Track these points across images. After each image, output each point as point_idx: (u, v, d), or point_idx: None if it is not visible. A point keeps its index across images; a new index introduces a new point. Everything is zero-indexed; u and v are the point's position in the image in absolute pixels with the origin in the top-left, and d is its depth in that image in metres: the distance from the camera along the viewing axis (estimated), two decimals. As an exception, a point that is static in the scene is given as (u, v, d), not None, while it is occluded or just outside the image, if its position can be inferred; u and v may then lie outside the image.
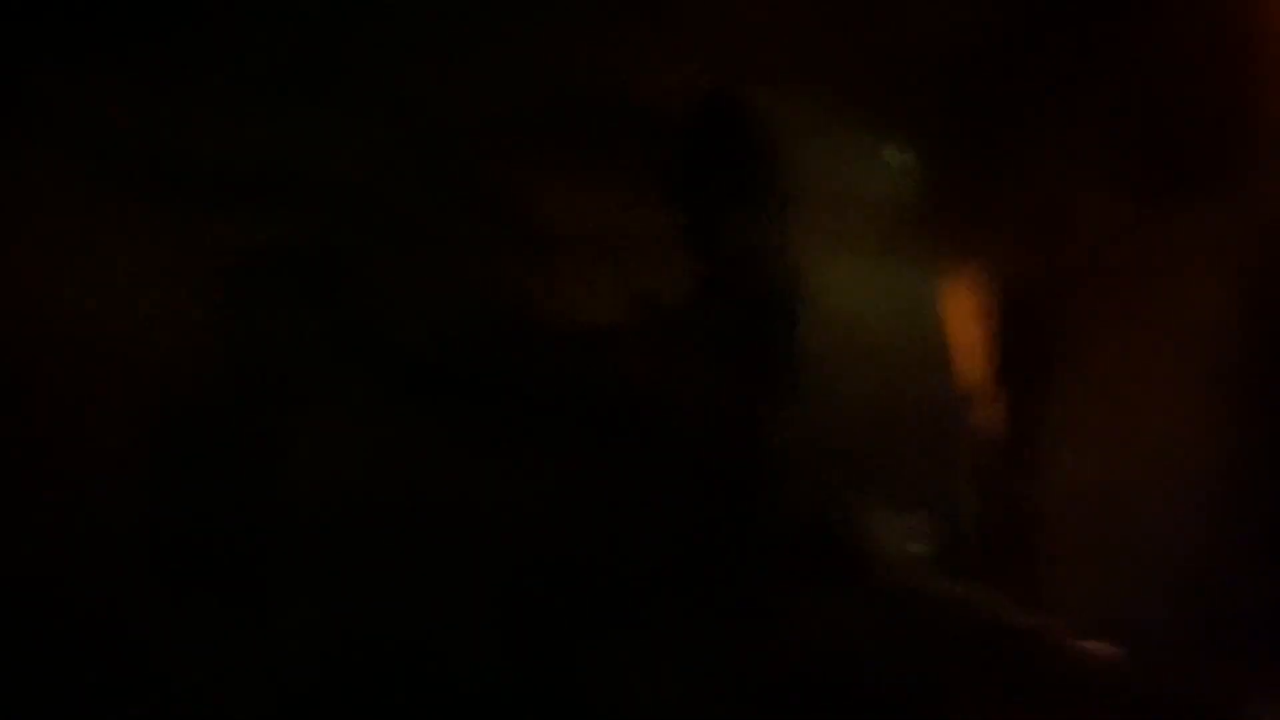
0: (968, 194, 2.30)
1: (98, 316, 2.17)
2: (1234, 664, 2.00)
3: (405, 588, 2.20)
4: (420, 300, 2.30)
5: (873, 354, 1.93)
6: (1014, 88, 2.30)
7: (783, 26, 2.33)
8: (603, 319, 2.35)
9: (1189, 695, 1.90)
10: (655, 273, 2.33)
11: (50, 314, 2.16)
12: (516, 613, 2.21)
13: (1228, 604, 2.05)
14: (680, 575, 2.20)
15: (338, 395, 2.25)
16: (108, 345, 2.16)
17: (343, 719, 2.13)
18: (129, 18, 2.25)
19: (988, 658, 1.87)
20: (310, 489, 2.22)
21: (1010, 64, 2.29)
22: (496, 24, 2.34)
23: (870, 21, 2.28)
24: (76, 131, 2.19)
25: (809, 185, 1.92)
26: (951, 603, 1.90)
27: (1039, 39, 2.26)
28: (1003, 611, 1.91)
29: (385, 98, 2.31)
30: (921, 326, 1.96)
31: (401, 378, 2.26)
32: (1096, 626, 1.94)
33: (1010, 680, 1.87)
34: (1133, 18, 2.21)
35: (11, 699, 2.03)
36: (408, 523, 2.23)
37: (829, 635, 1.90)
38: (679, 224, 2.12)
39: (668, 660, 2.16)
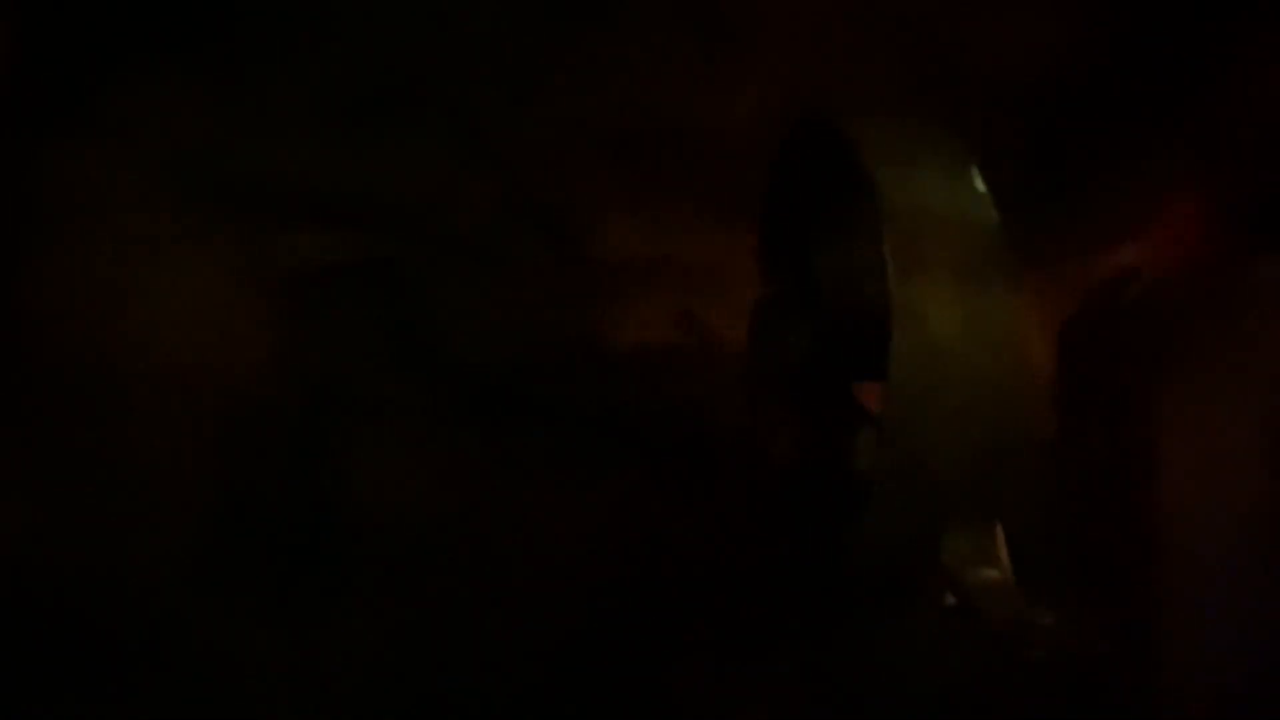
0: (1055, 220, 2.30)
1: (168, 327, 2.20)
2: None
3: (462, 605, 2.19)
4: (483, 322, 2.31)
5: (956, 377, 1.92)
6: (1103, 114, 2.30)
7: (861, 50, 2.33)
8: (664, 344, 2.34)
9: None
10: (718, 298, 2.33)
11: (122, 324, 2.18)
12: (577, 636, 2.19)
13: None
14: (749, 603, 2.18)
15: (400, 413, 2.25)
16: (177, 356, 2.18)
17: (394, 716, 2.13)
18: (210, 34, 2.28)
19: (1064, 684, 1.85)
20: (370, 504, 2.23)
21: (1099, 89, 2.29)
22: (563, 51, 2.36)
23: (954, 45, 2.28)
24: (153, 144, 2.24)
25: (897, 205, 1.92)
26: (1030, 629, 1.87)
27: (1127, 63, 2.26)
28: (1079, 638, 1.89)
29: (454, 123, 2.34)
30: (1005, 352, 1.95)
31: (463, 397, 2.27)
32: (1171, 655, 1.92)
33: (1084, 708, 1.85)
34: (1226, 41, 2.21)
35: (76, 692, 2.05)
36: (466, 540, 2.22)
37: (905, 661, 1.88)
38: (763, 252, 2.12)
39: (737, 690, 2.14)
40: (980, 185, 1.94)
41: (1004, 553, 1.91)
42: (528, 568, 2.21)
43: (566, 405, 2.29)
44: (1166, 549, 2.03)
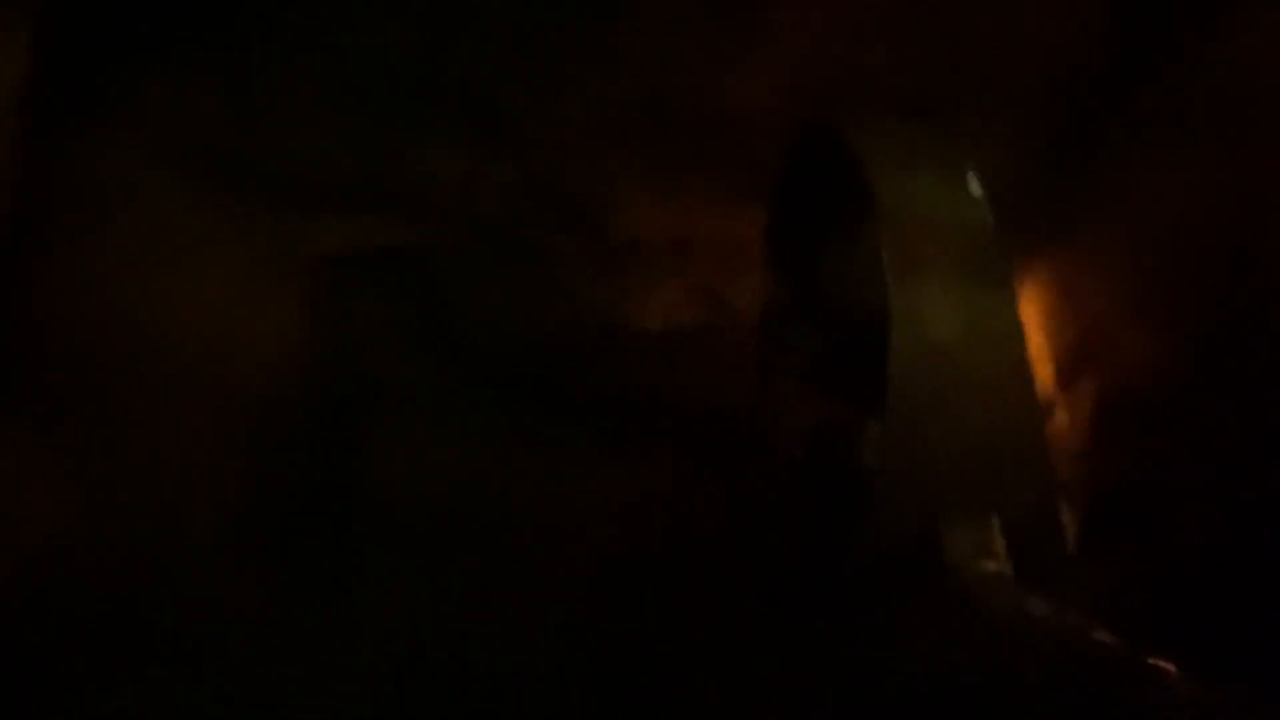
0: (1052, 221, 2.30)
1: (196, 316, 2.22)
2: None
3: (485, 582, 2.22)
4: (505, 305, 2.34)
5: (955, 376, 1.95)
6: (1100, 119, 2.29)
7: (873, 32, 2.33)
8: (684, 326, 2.36)
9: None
10: (739, 278, 2.34)
11: (147, 312, 2.21)
12: (597, 613, 2.22)
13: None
14: (758, 584, 2.21)
15: (424, 395, 2.28)
16: (205, 344, 2.21)
17: (420, 696, 2.16)
18: (232, 24, 2.29)
19: (1064, 675, 1.87)
20: (396, 484, 2.26)
21: (1097, 95, 2.28)
22: (583, 37, 2.37)
23: (955, 47, 2.28)
24: (179, 137, 2.26)
25: (895, 211, 1.94)
26: (1029, 620, 1.90)
27: (1128, 69, 2.25)
28: (1079, 629, 1.91)
29: (477, 110, 2.36)
30: (1003, 352, 1.98)
31: (485, 380, 2.30)
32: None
33: (1085, 698, 1.87)
34: (1223, 48, 2.19)
35: (112, 670, 2.09)
36: (488, 520, 2.26)
37: (908, 652, 1.91)
38: (771, 255, 2.15)
39: (744, 671, 2.17)
40: (976, 188, 1.96)
41: (1002, 546, 1.94)
42: (549, 546, 2.24)
43: (588, 386, 2.31)
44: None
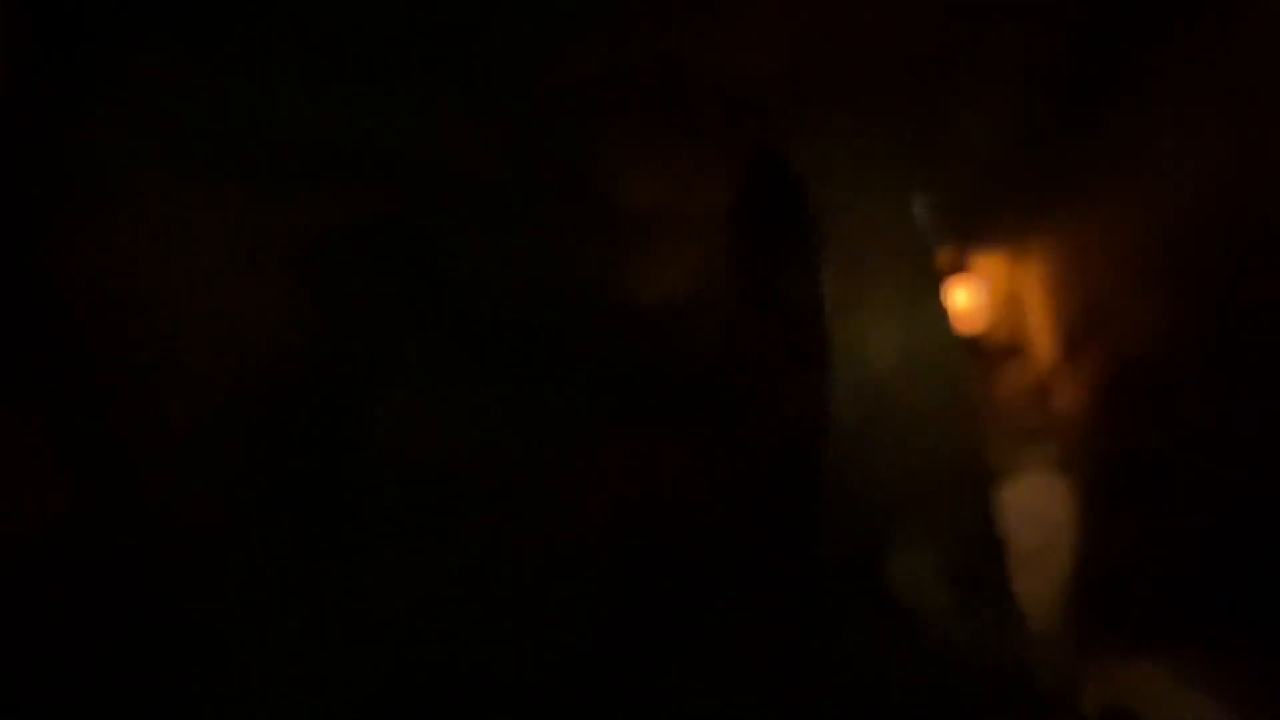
0: (1059, 187, 2.28)
1: (185, 292, 2.17)
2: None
3: (487, 558, 2.22)
4: (503, 276, 2.30)
5: (895, 407, 1.96)
6: (1112, 85, 2.26)
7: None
8: (681, 294, 2.33)
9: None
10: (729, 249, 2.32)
11: (138, 289, 2.16)
12: (601, 587, 2.23)
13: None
14: (771, 559, 2.22)
15: (423, 369, 2.25)
16: (200, 323, 2.17)
17: (425, 675, 2.16)
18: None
19: (1007, 697, 1.90)
20: (396, 460, 2.24)
21: (1109, 59, 2.24)
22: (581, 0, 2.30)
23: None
24: (165, 113, 2.18)
25: (835, 247, 1.94)
26: (973, 641, 1.94)
27: (1141, 34, 2.21)
28: (1023, 651, 1.96)
29: (468, 75, 2.29)
30: (943, 381, 1.99)
31: (484, 352, 2.26)
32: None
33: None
34: (1239, 19, 2.16)
35: (111, 639, 2.08)
36: (490, 495, 2.25)
37: (856, 669, 1.94)
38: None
39: (758, 642, 2.18)
40: (921, 210, 1.96)
41: (946, 571, 1.97)
42: (551, 520, 2.23)
43: (589, 359, 2.29)
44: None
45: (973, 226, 2.41)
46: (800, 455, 2.06)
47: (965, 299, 2.42)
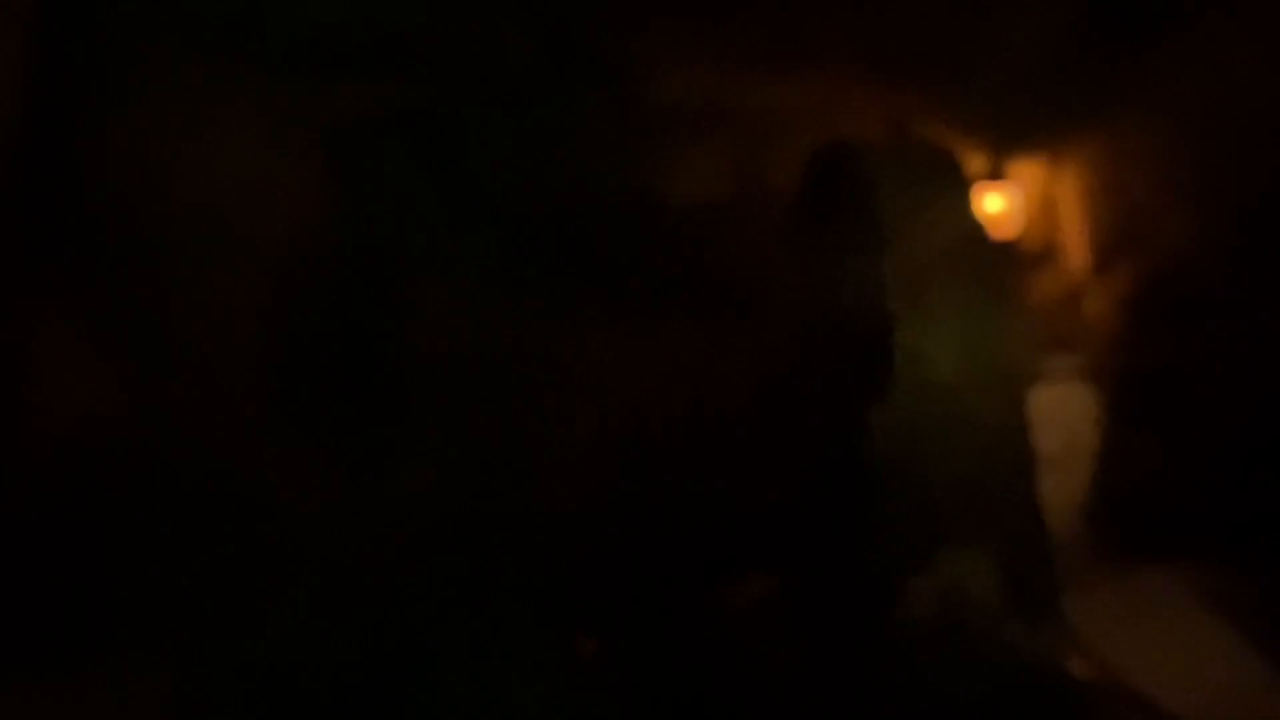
0: (1098, 101, 2.25)
1: (221, 185, 2.17)
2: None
3: (514, 448, 2.23)
4: (530, 168, 2.28)
5: (953, 416, 1.99)
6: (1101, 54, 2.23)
7: None
8: (718, 196, 2.32)
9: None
10: (774, 148, 2.30)
11: (176, 183, 2.16)
12: (626, 480, 2.24)
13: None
14: (793, 460, 2.22)
15: (452, 262, 2.25)
16: (232, 212, 2.16)
17: (451, 573, 2.18)
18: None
19: (1044, 701, 1.93)
20: (425, 352, 2.24)
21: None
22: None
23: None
24: (195, 4, 2.16)
25: (900, 250, 1.94)
26: (1012, 645, 1.96)
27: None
28: (1061, 656, 1.99)
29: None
30: (998, 389, 2.01)
31: (513, 246, 2.25)
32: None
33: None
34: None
35: (157, 524, 2.10)
36: (518, 386, 2.25)
37: (894, 663, 1.97)
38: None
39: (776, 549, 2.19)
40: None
41: (994, 573, 2.00)
42: (579, 414, 2.24)
43: (618, 255, 2.27)
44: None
45: (1012, 131, 2.39)
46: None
47: (1000, 203, 2.41)
